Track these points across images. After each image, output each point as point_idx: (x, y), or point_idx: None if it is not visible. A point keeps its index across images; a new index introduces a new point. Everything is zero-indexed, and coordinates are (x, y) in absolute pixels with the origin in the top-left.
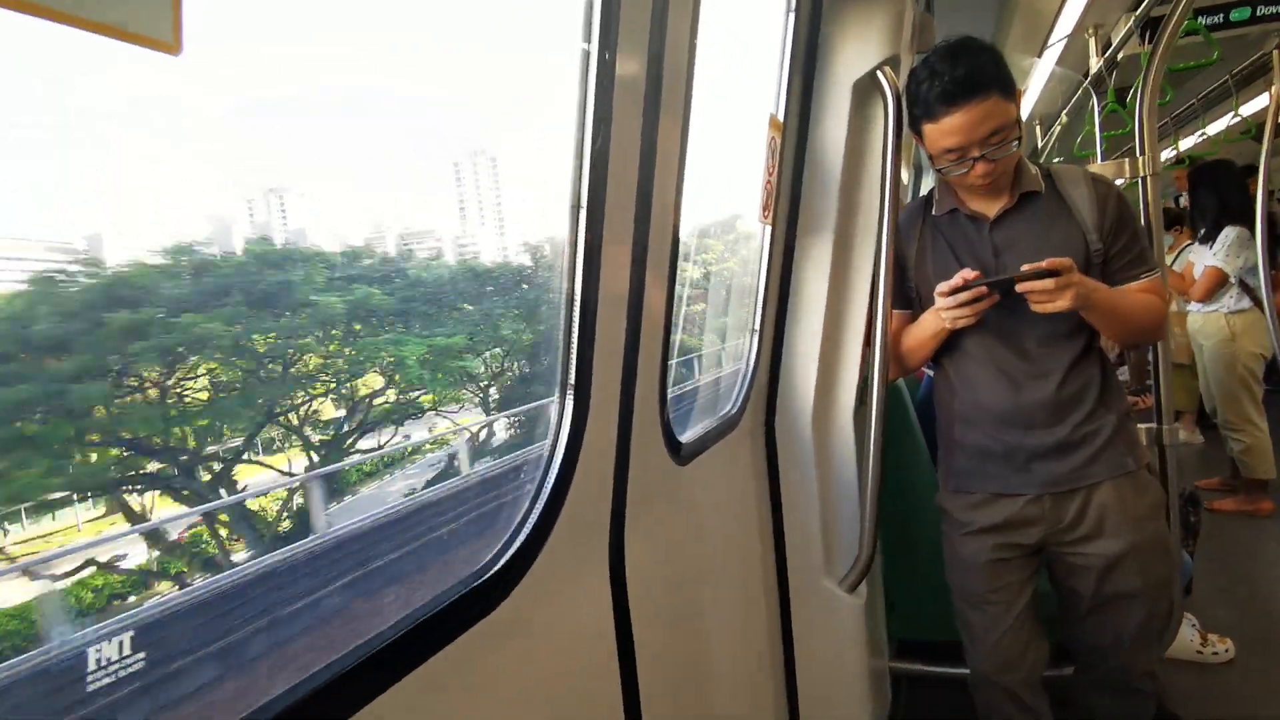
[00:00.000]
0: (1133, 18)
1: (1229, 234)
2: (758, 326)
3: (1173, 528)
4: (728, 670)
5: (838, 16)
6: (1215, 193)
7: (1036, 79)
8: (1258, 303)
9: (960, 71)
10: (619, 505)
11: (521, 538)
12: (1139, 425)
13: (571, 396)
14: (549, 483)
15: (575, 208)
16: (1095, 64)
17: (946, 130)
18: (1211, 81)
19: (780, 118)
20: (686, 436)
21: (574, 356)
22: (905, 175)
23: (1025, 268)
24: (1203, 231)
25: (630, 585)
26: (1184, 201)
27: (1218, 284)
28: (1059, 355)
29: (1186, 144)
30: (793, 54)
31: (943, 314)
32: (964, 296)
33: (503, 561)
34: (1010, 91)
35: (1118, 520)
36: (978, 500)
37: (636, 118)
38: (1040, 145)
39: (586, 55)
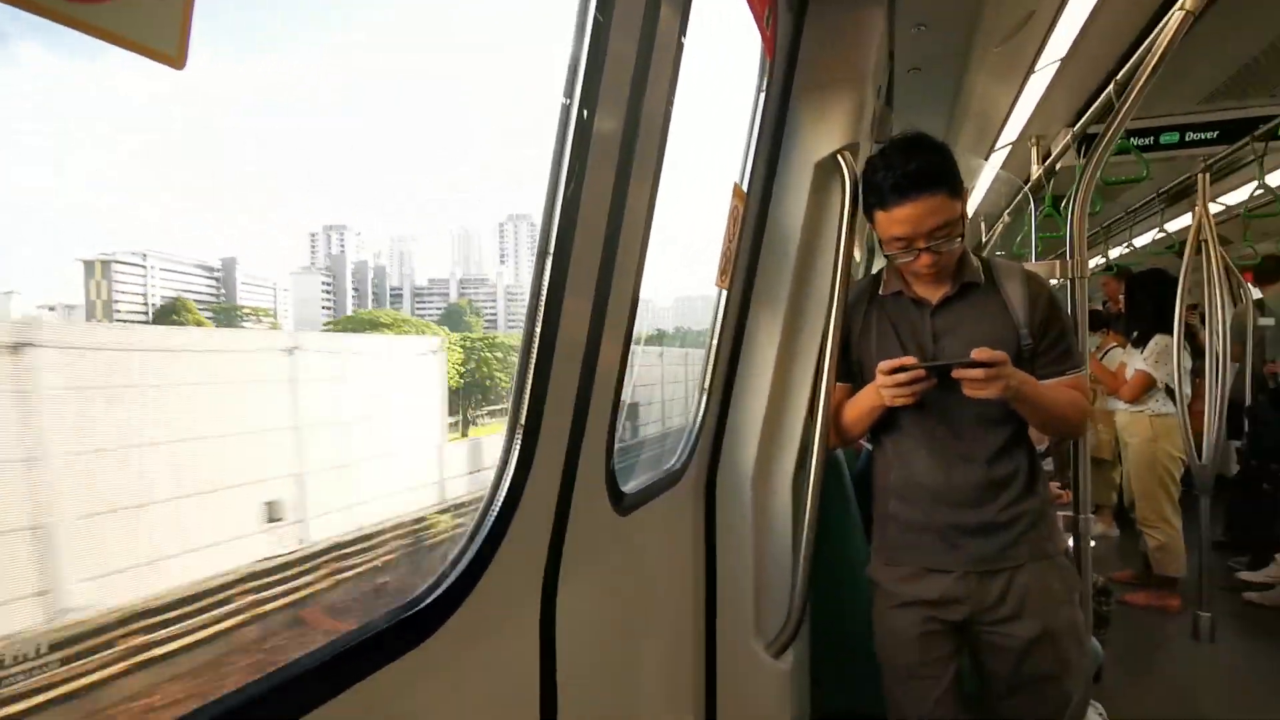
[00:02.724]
0: (1070, 132)
1: (1159, 341)
2: (707, 386)
3: (1086, 615)
4: None
5: (805, 99)
6: (1151, 300)
7: (983, 179)
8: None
9: (913, 166)
10: (556, 549)
11: (456, 573)
12: (1060, 514)
13: (520, 437)
14: (490, 519)
15: (542, 254)
16: (1035, 171)
17: (896, 219)
18: (1141, 197)
19: (744, 188)
20: (629, 487)
21: (527, 398)
22: (858, 254)
23: (975, 353)
24: (1135, 335)
25: (560, 631)
26: (1111, 306)
27: (1146, 387)
28: (990, 439)
29: (1115, 253)
30: (761, 129)
31: (883, 391)
32: (902, 378)
33: (434, 595)
34: (958, 191)
35: (1037, 603)
36: (908, 574)
37: (609, 175)
38: (984, 240)
39: (566, 110)
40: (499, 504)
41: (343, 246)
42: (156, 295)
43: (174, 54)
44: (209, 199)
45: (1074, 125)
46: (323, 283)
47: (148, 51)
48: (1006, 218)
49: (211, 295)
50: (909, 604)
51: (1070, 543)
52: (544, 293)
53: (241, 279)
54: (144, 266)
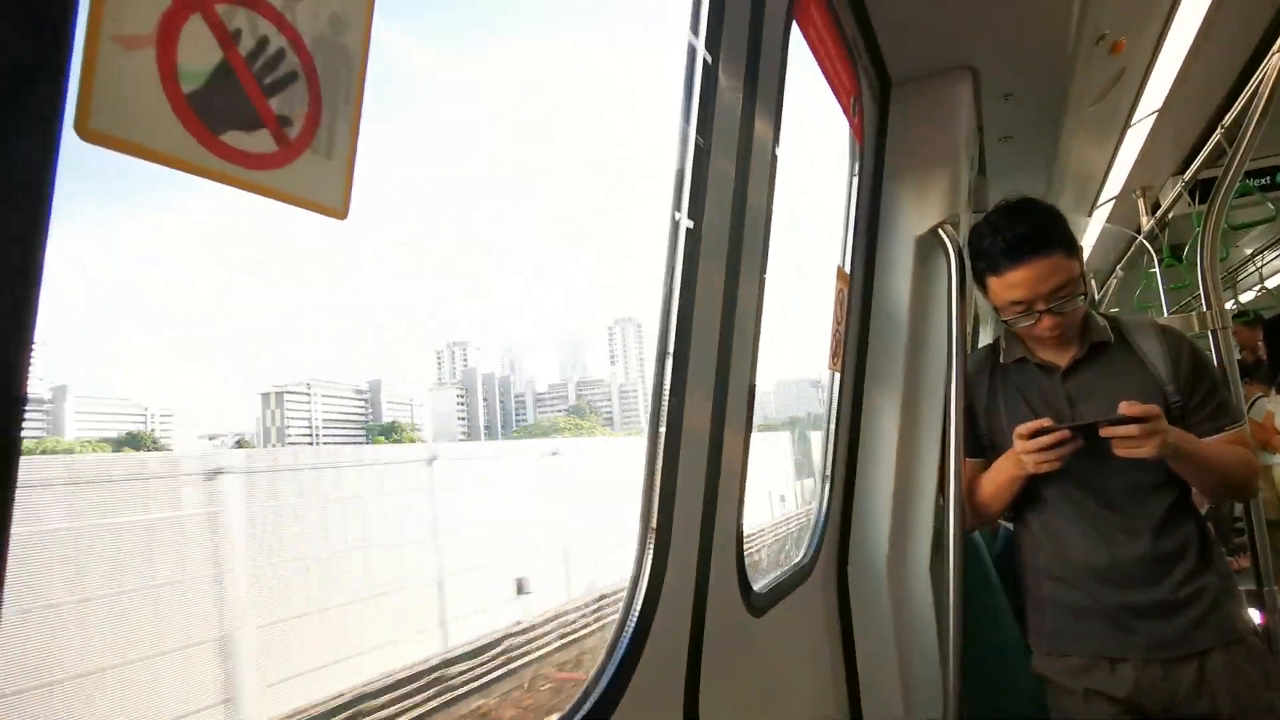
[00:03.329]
0: (1180, 181)
1: None
2: (829, 473)
3: None
4: None
5: (899, 178)
6: None
7: (1089, 235)
8: None
9: (1021, 230)
10: (695, 657)
11: (601, 686)
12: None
13: (653, 539)
14: (629, 628)
15: (661, 355)
16: (1146, 222)
17: (1011, 284)
18: (1265, 237)
19: (846, 270)
20: (759, 586)
21: (656, 498)
22: None
23: (1124, 408)
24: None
25: None
26: (1246, 355)
27: None
28: (1150, 507)
29: (1246, 297)
30: (858, 211)
31: (1024, 458)
32: (1045, 440)
33: (584, 710)
34: (1072, 250)
35: (1234, 693)
36: (1081, 664)
37: (719, 277)
38: (1097, 298)
39: (676, 222)
40: (637, 610)
41: (466, 360)
42: (319, 418)
43: (339, 207)
44: (340, 322)
45: (1182, 173)
46: (457, 396)
47: (316, 207)
48: (1120, 272)
49: (362, 415)
50: (1092, 696)
51: (1256, 619)
52: (666, 392)
53: (386, 399)
54: (309, 395)
